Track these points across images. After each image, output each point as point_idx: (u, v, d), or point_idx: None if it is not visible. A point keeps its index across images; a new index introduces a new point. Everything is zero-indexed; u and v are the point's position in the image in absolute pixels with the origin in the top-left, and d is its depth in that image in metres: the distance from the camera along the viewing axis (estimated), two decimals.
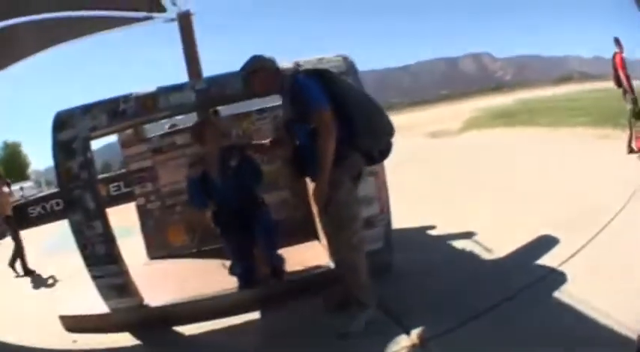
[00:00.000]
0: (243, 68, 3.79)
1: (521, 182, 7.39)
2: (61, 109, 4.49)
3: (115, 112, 4.37)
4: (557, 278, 3.91)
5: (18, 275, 8.76)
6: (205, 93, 4.44)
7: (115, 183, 18.78)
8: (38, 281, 7.91)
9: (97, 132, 4.41)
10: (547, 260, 4.28)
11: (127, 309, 4.58)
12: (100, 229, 4.35)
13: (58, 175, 4.48)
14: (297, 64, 4.41)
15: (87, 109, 4.41)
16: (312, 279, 4.57)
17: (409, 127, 26.51)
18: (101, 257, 4.42)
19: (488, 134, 15.53)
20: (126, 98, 4.39)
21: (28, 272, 8.69)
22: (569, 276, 3.88)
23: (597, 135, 11.00)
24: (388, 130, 3.66)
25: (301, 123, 3.56)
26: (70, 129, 4.36)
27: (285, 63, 4.39)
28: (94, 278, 4.49)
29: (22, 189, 31.94)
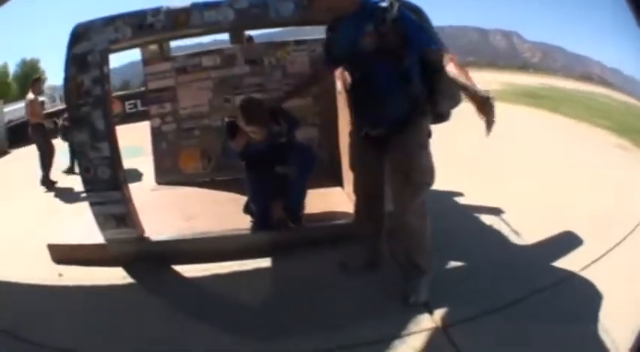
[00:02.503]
0: None
1: (545, 166, 6.90)
2: (80, 22, 3.98)
3: (141, 25, 3.88)
4: (581, 279, 3.60)
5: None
6: (245, 14, 3.88)
7: (132, 101, 17.67)
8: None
9: (117, 45, 3.94)
10: (570, 260, 3.91)
11: (124, 241, 4.17)
12: (106, 151, 3.92)
13: (66, 91, 4.03)
14: None
15: (109, 21, 3.92)
16: (333, 229, 4.19)
17: None
18: (104, 182, 4.00)
19: (512, 110, 15.22)
20: (155, 11, 3.89)
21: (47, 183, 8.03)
22: (589, 282, 3.56)
23: (616, 143, 10.41)
24: (460, 98, 3.17)
25: (383, 57, 2.95)
26: (87, 42, 3.88)
27: None
28: (93, 204, 4.07)
29: None
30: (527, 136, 9.75)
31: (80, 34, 3.91)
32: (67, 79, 3.95)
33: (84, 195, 4.31)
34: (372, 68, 3.01)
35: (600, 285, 3.47)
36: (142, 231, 4.20)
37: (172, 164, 6.27)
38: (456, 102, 3.16)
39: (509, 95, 20.54)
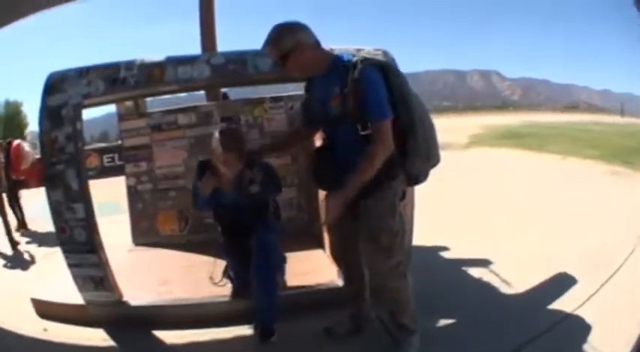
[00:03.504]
0: (267, 44, 2.96)
1: (532, 210, 7.00)
2: (54, 71, 3.84)
3: (115, 80, 3.71)
4: (572, 322, 3.56)
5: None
6: (221, 70, 3.74)
7: (110, 155, 18.00)
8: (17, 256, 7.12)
9: (90, 100, 3.76)
10: (564, 301, 3.90)
11: (103, 304, 3.98)
12: (81, 213, 3.72)
13: (41, 144, 3.83)
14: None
15: (83, 73, 3.75)
16: (316, 294, 3.99)
17: None
18: (79, 244, 3.80)
19: (495, 153, 15.29)
20: (129, 65, 3.72)
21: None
22: (584, 321, 3.54)
23: (606, 171, 10.72)
24: (437, 158, 3.08)
25: (347, 120, 2.85)
26: (61, 94, 3.71)
27: None
28: (70, 266, 3.88)
29: None
30: (511, 180, 9.89)
31: (54, 85, 3.76)
32: (41, 133, 3.80)
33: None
34: (339, 131, 2.94)
35: (595, 321, 3.45)
36: (120, 295, 3.98)
37: (149, 225, 6.10)
38: (432, 162, 3.04)
39: (490, 138, 20.80)
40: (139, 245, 6.01)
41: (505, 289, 4.25)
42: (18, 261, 6.70)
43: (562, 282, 4.24)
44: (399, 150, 2.84)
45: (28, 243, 7.87)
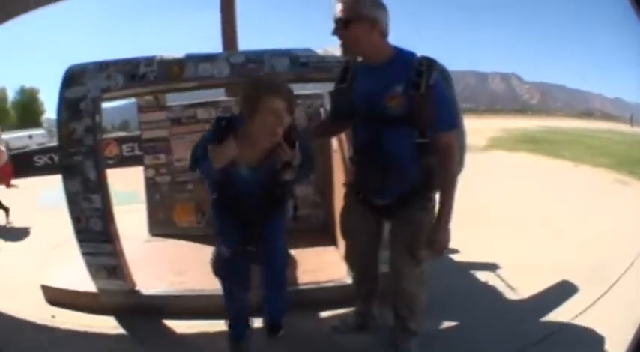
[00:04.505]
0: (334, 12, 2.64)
1: (542, 216, 6.99)
2: (73, 64, 3.87)
3: (134, 75, 3.73)
4: (570, 330, 3.57)
5: None
6: (241, 68, 3.70)
7: (130, 144, 17.98)
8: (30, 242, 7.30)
9: (109, 94, 3.79)
10: (565, 309, 3.89)
11: (115, 292, 4.02)
12: (98, 203, 3.76)
13: (59, 136, 3.89)
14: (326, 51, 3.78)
15: (102, 67, 3.78)
16: (326, 291, 4.00)
17: None
18: (95, 233, 3.84)
19: (511, 157, 15.32)
20: (148, 60, 3.75)
21: None
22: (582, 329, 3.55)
23: (615, 180, 10.78)
24: (463, 165, 2.97)
25: (403, 123, 2.63)
26: (80, 87, 3.75)
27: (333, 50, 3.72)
28: (85, 254, 3.92)
29: (30, 137, 30.46)
30: (524, 185, 9.92)
31: (73, 77, 3.79)
32: (59, 124, 3.84)
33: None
34: (388, 132, 2.68)
35: (594, 330, 3.45)
36: (133, 283, 4.03)
37: (166, 216, 6.14)
38: (460, 169, 2.92)
39: (508, 142, 20.82)
40: (155, 235, 6.04)
41: (509, 294, 4.25)
42: (27, 249, 6.79)
43: (564, 290, 4.24)
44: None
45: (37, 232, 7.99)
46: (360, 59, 2.79)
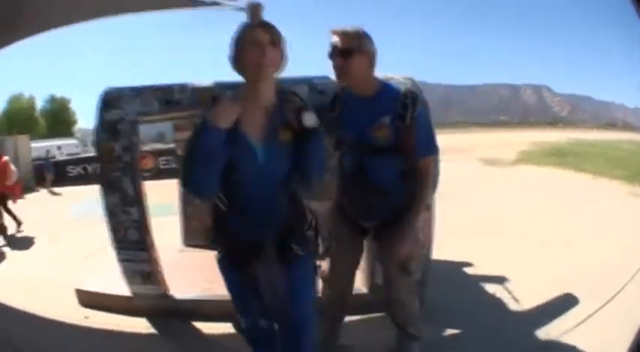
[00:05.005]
0: (333, 40, 2.75)
1: (557, 230, 7.18)
2: (110, 86, 4.21)
3: (169, 101, 4.05)
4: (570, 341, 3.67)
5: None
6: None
7: (165, 157, 18.29)
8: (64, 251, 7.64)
9: (146, 117, 4.12)
10: (564, 321, 4.02)
11: (149, 296, 4.35)
12: (135, 215, 4.10)
13: (98, 153, 4.23)
14: None
15: (138, 92, 4.12)
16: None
17: (466, 149, 26.41)
18: (132, 242, 4.17)
19: (539, 172, 15.52)
20: (182, 88, 4.06)
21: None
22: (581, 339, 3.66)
23: (630, 192, 10.96)
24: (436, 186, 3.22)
25: (389, 152, 2.79)
26: (118, 110, 4.08)
27: None
28: (121, 260, 4.26)
29: (59, 148, 30.35)
30: (543, 199, 10.06)
31: (110, 101, 4.11)
32: (98, 143, 4.17)
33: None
34: (375, 160, 2.81)
35: (590, 342, 3.55)
36: (166, 288, 4.33)
37: (199, 228, 6.23)
38: (434, 190, 3.19)
39: (536, 156, 20.95)
40: (188, 246, 6.28)
41: (513, 305, 4.42)
42: (59, 257, 7.14)
43: (566, 301, 4.37)
44: None
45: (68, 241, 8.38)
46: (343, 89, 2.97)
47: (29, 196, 18.09)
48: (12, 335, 4.09)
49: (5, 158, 10.10)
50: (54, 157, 28.06)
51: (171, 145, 14.68)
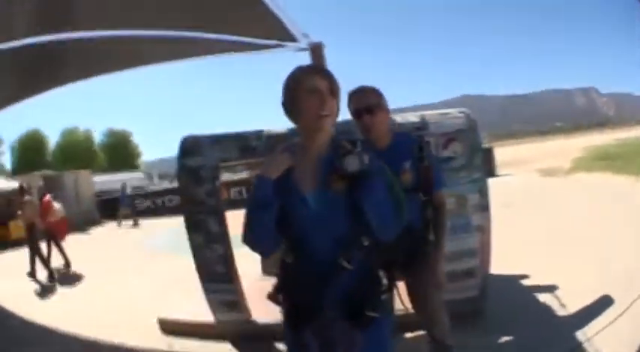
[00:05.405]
0: (356, 101, 3.04)
1: (602, 238, 7.26)
2: (187, 135, 4.65)
3: (246, 147, 4.44)
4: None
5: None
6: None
7: (237, 188, 19.36)
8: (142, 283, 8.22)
9: (226, 163, 4.56)
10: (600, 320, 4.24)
11: (233, 322, 4.73)
12: (220, 251, 4.48)
13: (182, 198, 4.72)
14: (423, 118, 4.36)
15: (217, 140, 4.54)
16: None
17: (523, 161, 26.96)
18: (218, 275, 4.56)
19: (590, 178, 15.57)
20: (257, 135, 4.45)
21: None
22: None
23: None
24: None
25: (411, 191, 2.97)
26: (199, 157, 4.49)
27: (410, 116, 4.40)
28: (207, 291, 4.64)
29: (122, 185, 32.64)
30: (591, 206, 10.12)
31: (189, 148, 4.53)
32: (182, 189, 4.61)
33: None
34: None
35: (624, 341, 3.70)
36: (250, 315, 4.70)
37: (277, 257, 6.60)
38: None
39: (586, 162, 20.74)
40: (267, 274, 6.47)
41: (561, 311, 4.66)
42: (142, 290, 7.69)
43: (603, 304, 4.57)
44: None
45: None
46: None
47: (94, 231, 19.15)
48: None
49: (48, 196, 10.81)
50: (142, 189, 29.33)
51: (242, 175, 15.21)
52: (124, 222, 20.07)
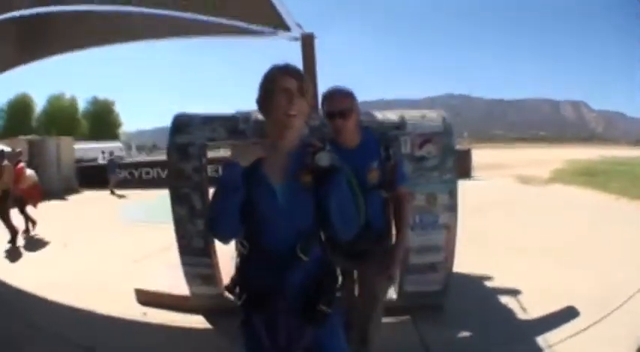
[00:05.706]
0: (329, 104, 3.14)
1: (571, 249, 7.43)
2: (179, 112, 4.77)
3: (235, 129, 4.55)
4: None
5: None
6: (317, 131, 4.14)
7: (214, 165, 18.93)
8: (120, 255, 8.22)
9: (214, 142, 4.67)
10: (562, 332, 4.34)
11: (207, 296, 4.87)
12: (201, 226, 4.57)
13: (169, 172, 4.77)
14: (402, 118, 4.49)
15: (207, 120, 4.66)
16: None
17: (501, 166, 27.10)
18: (197, 249, 4.68)
19: (567, 191, 15.70)
20: (246, 118, 4.55)
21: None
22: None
23: None
24: None
25: (376, 188, 3.16)
26: (188, 135, 4.61)
27: (390, 114, 4.53)
28: (184, 264, 4.77)
29: (103, 152, 31.30)
30: (568, 219, 10.18)
31: (180, 126, 4.65)
32: (170, 164, 4.71)
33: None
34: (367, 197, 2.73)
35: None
36: (224, 289, 4.79)
37: None
38: None
39: (566, 175, 20.74)
40: None
41: (520, 314, 4.82)
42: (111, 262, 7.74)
43: (568, 314, 4.70)
44: None
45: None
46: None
47: (71, 197, 19.00)
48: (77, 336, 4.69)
49: (21, 164, 10.88)
50: (122, 159, 28.97)
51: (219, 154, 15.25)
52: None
